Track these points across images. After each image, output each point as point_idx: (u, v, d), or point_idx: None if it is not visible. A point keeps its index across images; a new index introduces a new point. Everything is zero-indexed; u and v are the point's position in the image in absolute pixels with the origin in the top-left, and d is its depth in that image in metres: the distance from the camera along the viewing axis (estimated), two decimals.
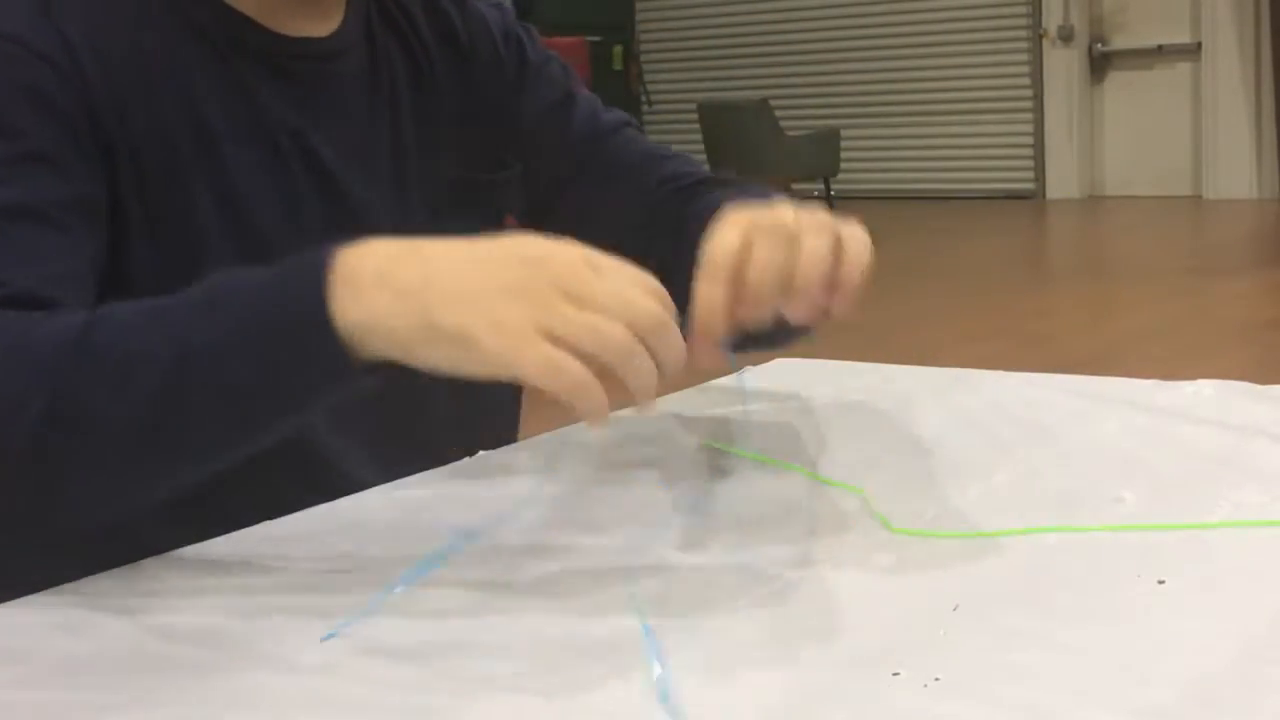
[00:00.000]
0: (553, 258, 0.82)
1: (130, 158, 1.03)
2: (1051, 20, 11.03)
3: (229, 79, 1.08)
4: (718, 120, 10.92)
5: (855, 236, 0.97)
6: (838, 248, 0.94)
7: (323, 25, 1.14)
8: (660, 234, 1.15)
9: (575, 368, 0.77)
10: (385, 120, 1.16)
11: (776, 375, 1.39)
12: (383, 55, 1.18)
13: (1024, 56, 11.31)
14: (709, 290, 0.89)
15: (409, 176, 1.17)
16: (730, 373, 1.01)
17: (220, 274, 0.87)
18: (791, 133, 11.05)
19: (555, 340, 0.78)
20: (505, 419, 1.28)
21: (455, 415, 1.19)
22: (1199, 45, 10.52)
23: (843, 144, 11.07)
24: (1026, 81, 11.30)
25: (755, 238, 0.91)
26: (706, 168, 1.30)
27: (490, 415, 1.24)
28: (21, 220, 0.96)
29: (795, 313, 0.93)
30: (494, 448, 1.17)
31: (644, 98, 12.81)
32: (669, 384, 1.30)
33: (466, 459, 1.14)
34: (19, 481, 0.85)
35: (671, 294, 0.84)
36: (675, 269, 0.92)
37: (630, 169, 1.25)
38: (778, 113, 11.12)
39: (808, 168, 10.84)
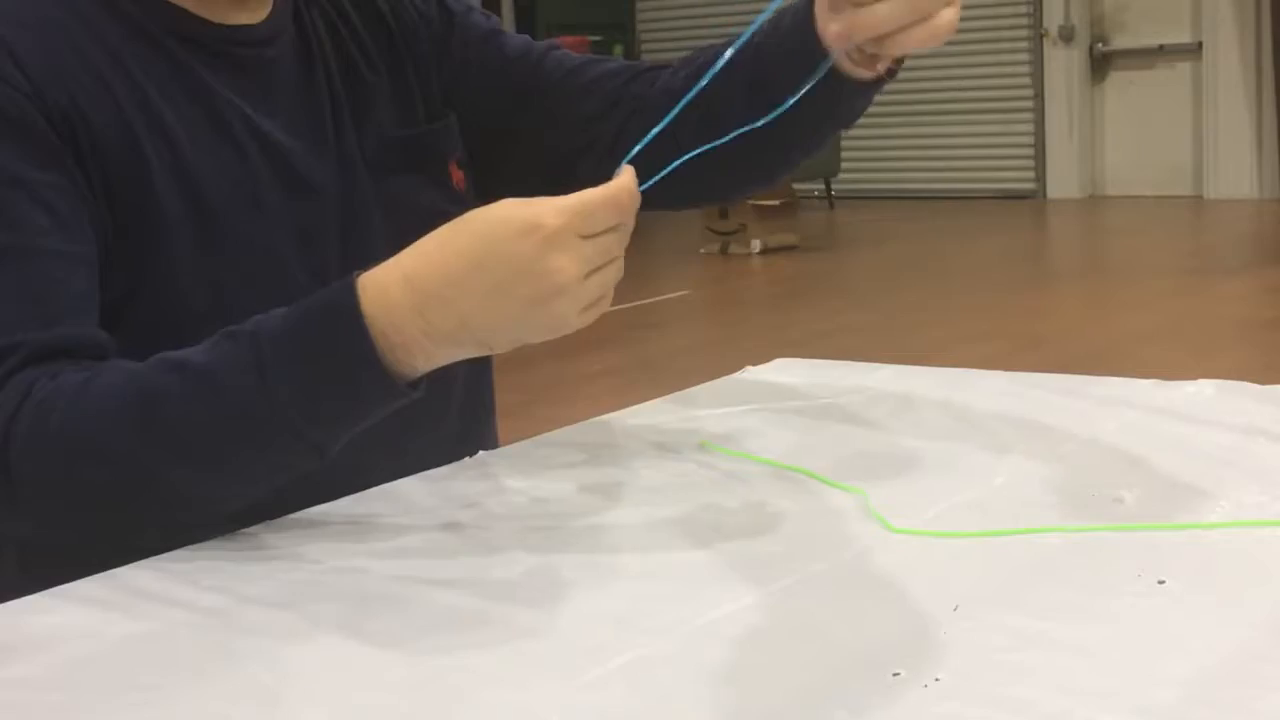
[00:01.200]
0: (553, 258, 0.89)
1: (97, 163, 1.05)
2: (1052, 20, 11.03)
3: (173, 69, 1.10)
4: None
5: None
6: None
7: (253, 14, 1.15)
8: (633, 110, 1.21)
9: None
10: (324, 95, 1.18)
11: (776, 375, 1.39)
12: (312, 35, 1.20)
13: (1024, 56, 11.31)
14: None
15: (350, 146, 1.18)
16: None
17: (255, 334, 0.93)
18: None
19: (588, 309, 0.90)
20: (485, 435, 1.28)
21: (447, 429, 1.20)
22: (1200, 45, 10.51)
23: (843, 144, 11.07)
24: (1027, 81, 11.30)
25: None
26: None
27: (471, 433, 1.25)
28: (12, 261, 0.98)
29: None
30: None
31: None
32: (669, 384, 1.30)
33: (466, 459, 1.14)
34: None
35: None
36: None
37: (574, 69, 1.26)
38: None
39: (808, 168, 10.81)
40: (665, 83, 1.21)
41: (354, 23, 1.23)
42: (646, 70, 1.25)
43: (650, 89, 1.21)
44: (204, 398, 0.92)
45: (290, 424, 0.92)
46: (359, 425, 0.95)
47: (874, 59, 1.06)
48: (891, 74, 1.10)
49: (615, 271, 0.91)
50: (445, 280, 0.91)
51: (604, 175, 0.91)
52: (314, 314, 0.93)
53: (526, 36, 1.32)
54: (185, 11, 1.11)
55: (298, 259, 1.10)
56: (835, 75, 1.07)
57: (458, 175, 1.24)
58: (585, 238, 0.89)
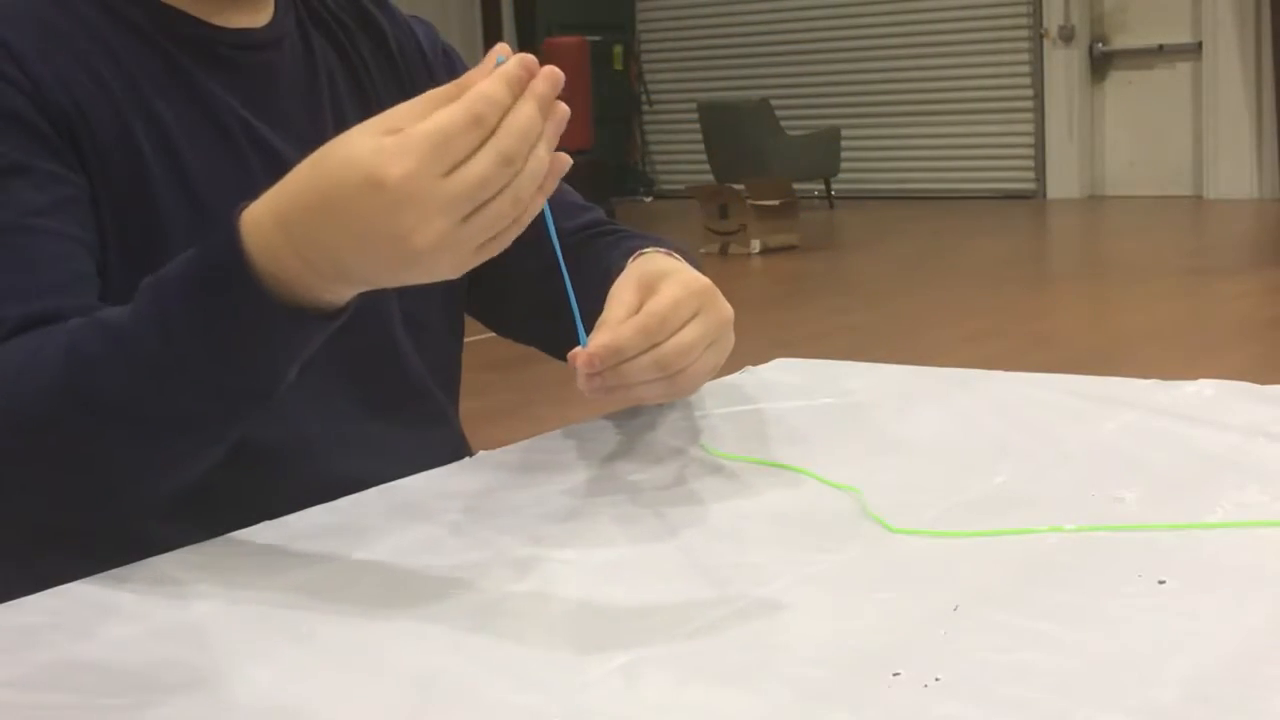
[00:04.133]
0: (426, 195, 0.79)
1: (95, 156, 1.05)
2: (1052, 20, 11.04)
3: (173, 73, 1.10)
4: (718, 120, 10.93)
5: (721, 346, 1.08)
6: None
7: (255, 17, 1.15)
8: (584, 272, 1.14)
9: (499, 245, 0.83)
10: (326, 108, 1.18)
11: (776, 375, 1.39)
12: (316, 49, 1.20)
13: (1025, 56, 11.32)
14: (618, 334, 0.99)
15: None
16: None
17: (157, 282, 0.91)
18: (791, 133, 11.06)
19: (481, 248, 0.82)
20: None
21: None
22: (1200, 45, 10.52)
23: (843, 144, 11.07)
24: (1027, 81, 11.31)
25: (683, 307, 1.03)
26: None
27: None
28: (6, 238, 0.98)
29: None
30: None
31: (644, 98, 12.81)
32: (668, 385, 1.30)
33: (466, 459, 1.14)
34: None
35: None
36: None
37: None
38: (778, 113, 11.12)
39: (808, 168, 10.85)
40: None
41: (363, 52, 1.23)
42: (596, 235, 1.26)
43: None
44: (122, 359, 0.91)
45: (206, 381, 0.90)
46: (285, 364, 0.92)
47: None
48: None
49: (506, 204, 0.80)
50: (315, 223, 0.84)
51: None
52: (204, 273, 0.89)
53: None
54: (184, 14, 1.11)
55: None
56: None
57: None
58: (447, 175, 0.78)
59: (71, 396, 0.91)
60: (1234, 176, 10.41)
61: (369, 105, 1.21)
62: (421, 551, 0.93)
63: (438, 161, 0.78)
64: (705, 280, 1.08)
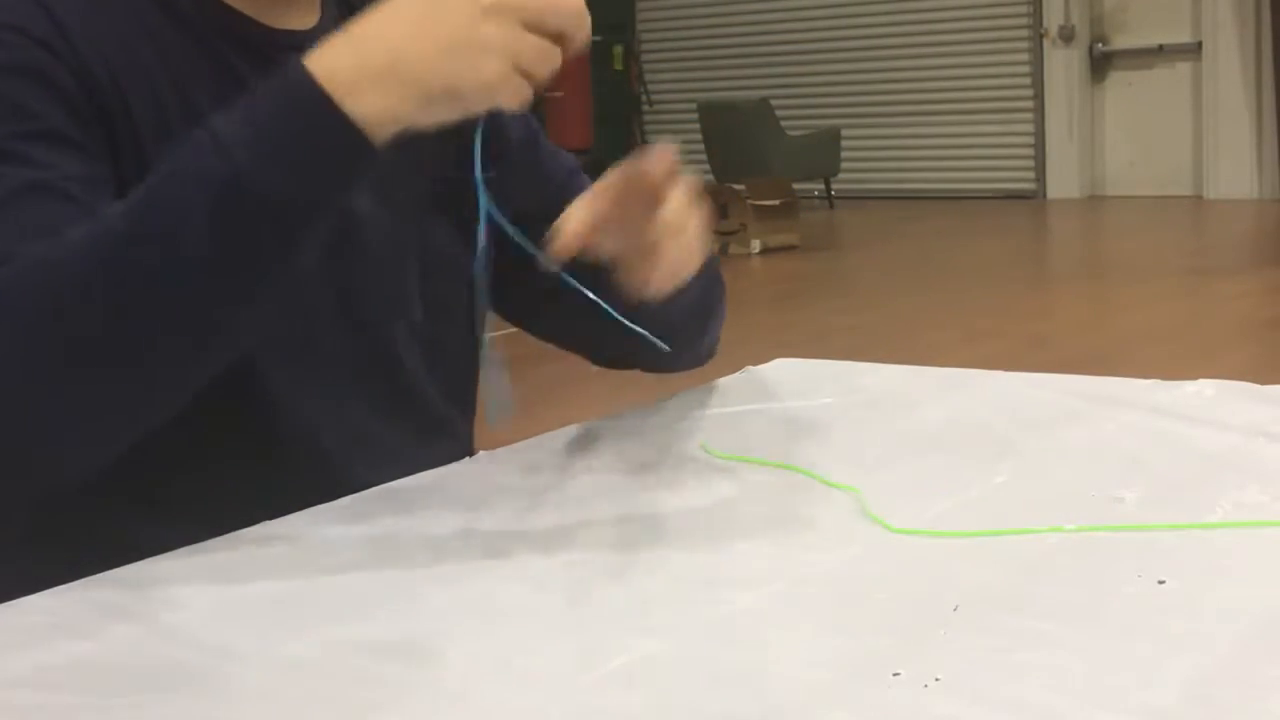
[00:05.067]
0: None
1: (133, 147, 1.03)
2: (1052, 20, 11.03)
3: (219, 70, 1.09)
4: (718, 120, 10.92)
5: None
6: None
7: (304, 18, 1.14)
8: None
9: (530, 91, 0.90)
10: None
11: (776, 375, 1.39)
12: None
13: (1024, 56, 11.31)
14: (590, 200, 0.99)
15: (393, 176, 1.16)
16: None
17: (198, 129, 0.91)
18: (791, 133, 11.04)
19: (521, 70, 0.89)
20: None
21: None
22: (1199, 45, 10.52)
23: (843, 144, 11.06)
24: (1027, 81, 11.31)
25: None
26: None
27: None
28: (42, 196, 0.96)
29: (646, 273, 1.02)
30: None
31: (644, 98, 12.81)
32: (670, 384, 1.30)
33: (466, 459, 1.14)
34: (104, 370, 0.90)
35: None
36: None
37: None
38: (778, 113, 11.11)
39: (808, 168, 10.84)
40: None
41: None
42: None
43: None
44: (156, 189, 0.91)
45: (244, 174, 0.89)
46: (324, 177, 0.91)
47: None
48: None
49: (542, 65, 0.89)
50: (376, 14, 0.91)
51: None
52: (261, 88, 0.92)
53: (564, 155, 1.30)
54: (237, 12, 1.10)
55: (323, 273, 1.08)
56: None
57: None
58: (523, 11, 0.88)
59: (114, 239, 0.89)
60: (1234, 176, 10.41)
61: None
62: (421, 551, 0.93)
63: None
64: None
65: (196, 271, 0.89)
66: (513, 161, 1.19)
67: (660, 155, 0.98)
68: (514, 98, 0.89)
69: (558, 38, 0.89)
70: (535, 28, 0.89)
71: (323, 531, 0.98)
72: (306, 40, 1.13)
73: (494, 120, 1.05)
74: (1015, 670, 0.71)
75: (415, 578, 0.88)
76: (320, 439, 1.11)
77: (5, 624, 0.84)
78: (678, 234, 1.02)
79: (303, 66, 0.90)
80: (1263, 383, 1.22)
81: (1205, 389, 1.23)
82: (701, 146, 11.08)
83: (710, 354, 1.32)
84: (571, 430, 1.21)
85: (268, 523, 0.99)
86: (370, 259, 1.13)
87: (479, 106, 0.92)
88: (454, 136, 1.20)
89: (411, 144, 1.18)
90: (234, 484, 1.03)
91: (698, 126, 11.10)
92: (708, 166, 11.12)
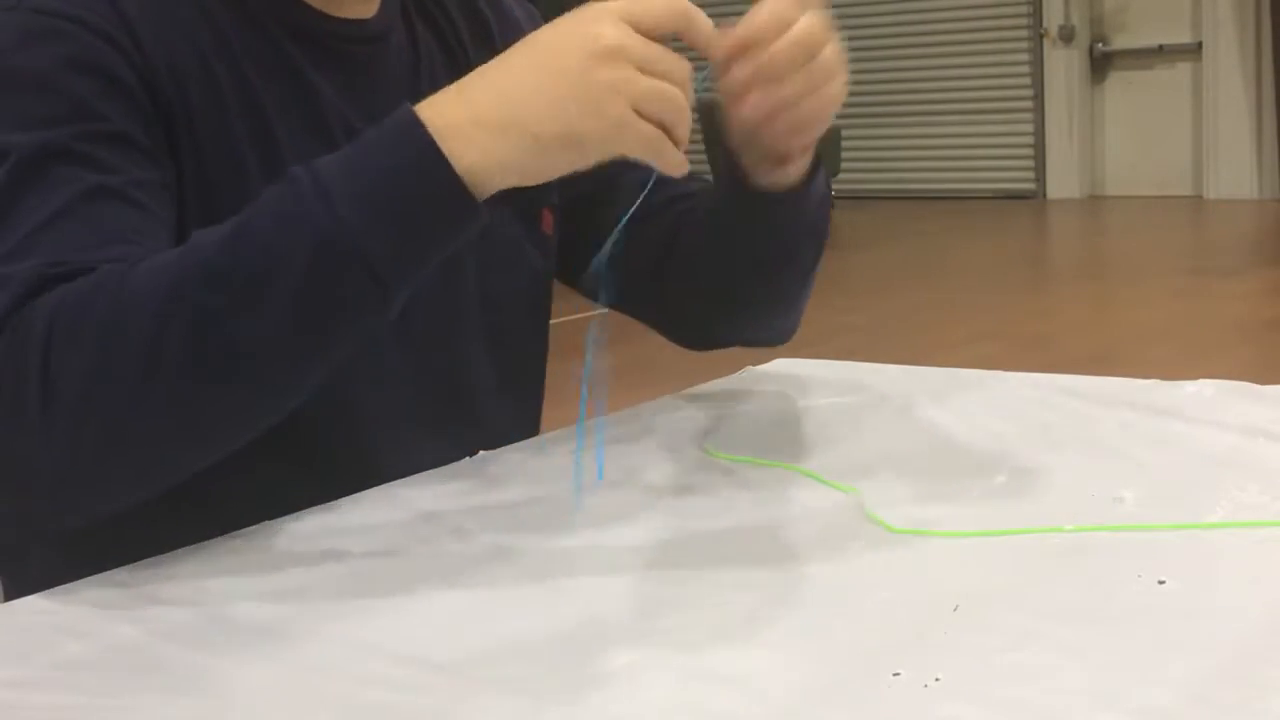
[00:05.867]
0: (602, 28, 0.88)
1: (190, 137, 1.03)
2: (1052, 20, 11.02)
3: (280, 62, 1.08)
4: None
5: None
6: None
7: (364, 7, 1.14)
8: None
9: (662, 141, 0.89)
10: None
11: (776, 375, 1.39)
12: (420, 42, 1.19)
13: (1024, 56, 11.30)
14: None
15: None
16: None
17: (300, 167, 0.89)
18: None
19: (641, 114, 0.87)
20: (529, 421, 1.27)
21: (491, 410, 1.19)
22: (1199, 45, 10.51)
23: (843, 144, 11.05)
24: (1027, 81, 11.30)
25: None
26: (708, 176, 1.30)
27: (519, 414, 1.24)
28: (106, 201, 0.96)
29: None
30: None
31: None
32: (669, 384, 1.30)
33: (466, 459, 1.14)
34: (177, 407, 0.87)
35: None
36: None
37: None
38: None
39: None
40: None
41: (466, 45, 1.21)
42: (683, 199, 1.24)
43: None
44: (248, 228, 0.88)
45: (344, 226, 0.86)
46: (424, 232, 0.88)
47: (784, 160, 1.10)
48: (812, 183, 1.14)
49: (663, 109, 0.88)
50: (492, 65, 0.90)
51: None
52: (369, 133, 0.90)
53: None
54: (298, 1, 1.10)
55: None
56: (750, 191, 1.12)
57: (548, 220, 1.22)
58: (645, 64, 0.88)
59: (188, 283, 0.86)
60: (1234, 176, 10.40)
61: None
62: (421, 551, 0.93)
63: (629, 25, 0.88)
64: None
65: (285, 317, 0.86)
66: None
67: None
68: (640, 144, 0.88)
69: (676, 81, 0.89)
70: (650, 70, 0.88)
71: (324, 533, 0.98)
72: (366, 30, 1.13)
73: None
74: (1015, 670, 0.71)
75: (415, 578, 0.88)
76: (372, 441, 1.11)
77: (5, 624, 0.84)
78: (828, 41, 0.99)
79: (413, 115, 0.88)
80: (1263, 383, 1.22)
81: (1205, 389, 1.23)
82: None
83: (794, 331, 1.30)
84: (572, 431, 1.21)
85: (267, 523, 0.99)
86: None
87: (601, 153, 0.89)
88: None
89: None
90: (231, 484, 1.02)
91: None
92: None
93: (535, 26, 1.28)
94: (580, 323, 0.99)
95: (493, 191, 0.88)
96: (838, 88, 1.01)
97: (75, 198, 0.94)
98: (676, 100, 0.88)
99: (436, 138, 0.86)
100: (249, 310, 0.86)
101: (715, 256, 1.18)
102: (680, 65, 0.89)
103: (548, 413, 1.28)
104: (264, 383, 0.89)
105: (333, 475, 1.05)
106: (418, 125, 0.87)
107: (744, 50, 0.97)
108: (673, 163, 0.90)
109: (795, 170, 1.12)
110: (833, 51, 1.00)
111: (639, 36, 0.88)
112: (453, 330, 1.16)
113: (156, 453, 0.89)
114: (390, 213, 0.86)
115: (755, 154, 1.10)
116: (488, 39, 1.23)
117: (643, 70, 0.87)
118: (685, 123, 0.89)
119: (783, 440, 1.16)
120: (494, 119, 0.87)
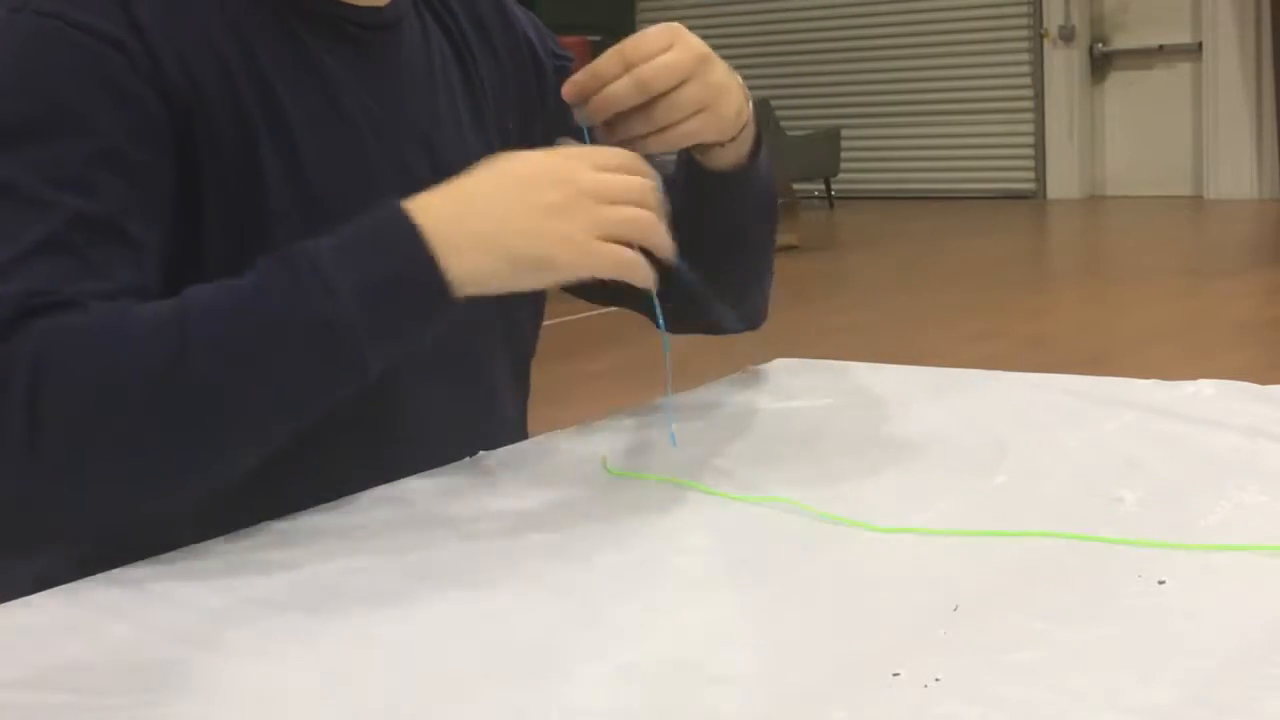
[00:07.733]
0: (575, 172, 0.96)
1: (207, 137, 1.02)
2: (1052, 20, 11.03)
3: (297, 52, 1.08)
4: None
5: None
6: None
7: None
8: None
9: (630, 256, 0.96)
10: (440, 94, 1.17)
11: (776, 375, 1.39)
12: (430, 32, 1.19)
13: (1025, 56, 11.31)
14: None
15: (466, 150, 1.16)
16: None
17: (297, 249, 0.93)
18: (791, 133, 11.05)
19: (608, 238, 0.95)
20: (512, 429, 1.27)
21: (458, 421, 1.19)
22: (1200, 45, 10.52)
23: (843, 144, 11.06)
24: (1027, 81, 11.31)
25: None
26: None
27: (495, 426, 1.24)
28: (93, 232, 0.95)
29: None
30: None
31: None
32: (671, 385, 1.29)
33: (466, 459, 1.14)
34: (151, 457, 0.90)
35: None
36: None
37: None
38: (778, 113, 11.11)
39: (808, 168, 10.84)
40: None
41: (469, 38, 1.23)
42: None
43: None
44: (248, 305, 0.92)
45: (343, 318, 0.91)
46: (410, 329, 0.95)
47: (704, 150, 1.16)
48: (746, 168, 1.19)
49: (633, 231, 0.95)
50: (473, 177, 0.96)
51: None
52: (364, 226, 0.94)
53: None
54: None
55: None
56: (700, 170, 1.18)
57: None
58: (612, 198, 0.95)
59: (188, 346, 0.89)
60: (1234, 176, 10.41)
61: (477, 98, 1.21)
62: (421, 551, 0.93)
63: (596, 168, 0.97)
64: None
65: (270, 394, 0.92)
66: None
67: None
68: (610, 267, 0.95)
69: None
70: (618, 201, 0.96)
71: (324, 533, 0.98)
72: (381, 17, 1.14)
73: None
74: (1015, 670, 0.71)
75: (415, 578, 0.88)
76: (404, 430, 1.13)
77: (5, 624, 0.84)
78: (670, 84, 1.05)
79: (410, 222, 0.93)
80: (1263, 383, 1.22)
81: (1205, 389, 1.23)
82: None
83: (763, 315, 1.33)
84: (571, 431, 1.21)
85: (264, 524, 0.99)
86: None
87: (570, 277, 0.97)
88: (513, 116, 1.23)
89: (477, 116, 1.20)
90: (232, 485, 1.02)
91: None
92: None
93: (536, 26, 1.29)
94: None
95: (469, 295, 0.95)
96: (696, 124, 1.07)
97: (62, 226, 0.94)
98: (644, 221, 0.97)
99: (432, 242, 0.93)
100: (241, 382, 0.91)
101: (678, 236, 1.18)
102: (644, 188, 0.98)
103: (548, 413, 1.28)
104: (238, 447, 0.94)
105: (281, 467, 1.05)
106: (415, 233, 0.93)
107: (587, 92, 1.04)
108: (641, 278, 0.96)
109: (727, 156, 1.17)
110: (695, 88, 1.06)
111: (605, 175, 0.96)
112: (478, 324, 1.16)
113: (117, 495, 0.91)
114: (387, 313, 0.93)
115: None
116: (487, 36, 1.24)
117: (612, 203, 0.95)
118: (659, 233, 0.97)
119: (782, 440, 1.16)
120: (479, 233, 0.94)
